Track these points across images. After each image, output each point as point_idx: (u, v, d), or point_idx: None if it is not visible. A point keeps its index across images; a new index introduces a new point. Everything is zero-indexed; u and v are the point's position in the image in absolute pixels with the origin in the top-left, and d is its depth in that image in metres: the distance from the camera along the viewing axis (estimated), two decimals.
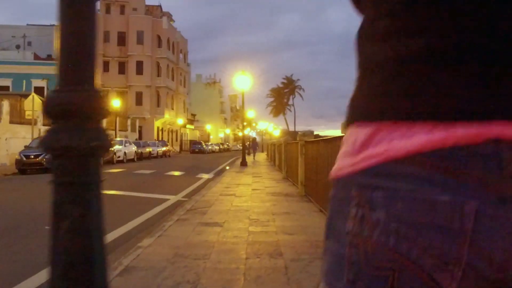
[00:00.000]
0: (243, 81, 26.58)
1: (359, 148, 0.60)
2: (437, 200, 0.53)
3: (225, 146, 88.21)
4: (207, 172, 22.80)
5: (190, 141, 77.39)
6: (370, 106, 0.60)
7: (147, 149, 38.76)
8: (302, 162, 10.42)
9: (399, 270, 0.55)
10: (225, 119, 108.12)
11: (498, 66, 0.53)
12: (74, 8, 1.70)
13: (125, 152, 31.27)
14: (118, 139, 33.80)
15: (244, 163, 25.70)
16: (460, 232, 0.52)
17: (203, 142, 71.58)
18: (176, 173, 21.44)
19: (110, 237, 6.48)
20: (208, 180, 17.60)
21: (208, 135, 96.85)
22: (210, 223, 6.98)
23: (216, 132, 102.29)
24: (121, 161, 30.53)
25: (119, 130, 46.40)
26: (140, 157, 35.47)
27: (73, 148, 1.64)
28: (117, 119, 44.03)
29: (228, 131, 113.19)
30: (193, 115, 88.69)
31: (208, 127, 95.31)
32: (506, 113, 0.52)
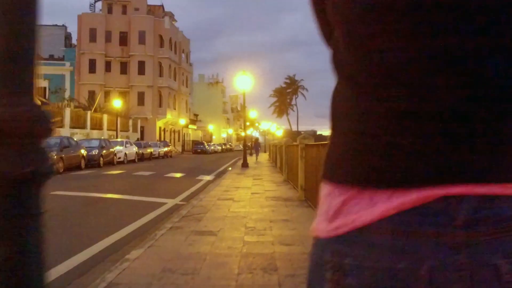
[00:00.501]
0: (244, 81, 26.27)
1: (332, 217, 0.66)
2: (396, 268, 0.59)
3: (228, 146, 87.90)
4: (208, 173, 22.52)
5: (193, 141, 77.15)
6: (340, 170, 0.66)
7: (148, 150, 38.48)
8: (302, 166, 10.12)
9: None
10: (228, 119, 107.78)
11: (448, 138, 0.59)
12: (9, 4, 1.41)
13: (125, 153, 31.03)
14: (119, 139, 33.57)
15: (245, 165, 25.42)
16: None
17: (205, 143, 71.28)
18: (176, 174, 21.15)
19: (99, 246, 6.21)
20: (208, 182, 17.32)
21: (211, 135, 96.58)
22: (204, 231, 6.69)
23: (219, 132, 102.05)
24: (122, 162, 30.28)
25: (121, 131, 46.17)
26: (141, 158, 35.21)
27: (2, 174, 1.35)
28: (118, 119, 43.81)
29: (230, 131, 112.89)
30: (196, 115, 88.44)
31: (211, 127, 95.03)
32: (453, 178, 0.59)
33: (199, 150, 64.14)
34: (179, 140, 72.94)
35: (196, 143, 71.25)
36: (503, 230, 0.59)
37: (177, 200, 11.89)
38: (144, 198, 12.13)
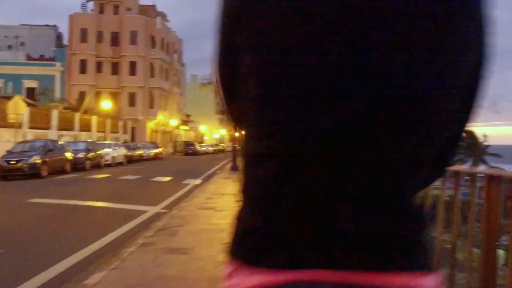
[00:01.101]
0: None
1: (228, 277, 0.76)
2: None
3: (220, 147, 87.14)
4: (196, 177, 22.10)
5: (184, 142, 76.60)
6: (233, 246, 0.77)
7: (138, 152, 37.97)
8: None
9: None
10: (221, 119, 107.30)
11: (308, 224, 0.70)
12: None
13: (113, 156, 30.50)
14: (106, 142, 33.04)
15: (234, 168, 24.97)
16: None
17: (196, 144, 70.69)
18: (163, 178, 20.70)
19: (58, 268, 5.77)
20: (195, 187, 16.93)
21: (202, 136, 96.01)
22: (176, 249, 6.27)
23: (211, 133, 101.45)
24: (110, 165, 29.76)
25: (111, 132, 45.61)
26: (130, 160, 34.70)
27: None
28: (108, 121, 43.30)
29: (223, 131, 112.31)
30: (188, 115, 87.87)
31: (203, 128, 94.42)
32: (308, 263, 0.69)
33: (190, 151, 63.59)
34: (170, 141, 72.32)
35: (187, 144, 70.65)
36: None
37: (159, 208, 11.49)
38: (124, 206, 11.71)
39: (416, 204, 0.76)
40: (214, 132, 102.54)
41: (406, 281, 0.69)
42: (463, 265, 2.74)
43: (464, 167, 2.77)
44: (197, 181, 19.60)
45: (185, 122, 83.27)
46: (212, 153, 74.12)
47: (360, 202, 0.70)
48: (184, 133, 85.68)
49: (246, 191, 0.78)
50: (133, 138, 56.98)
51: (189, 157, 56.56)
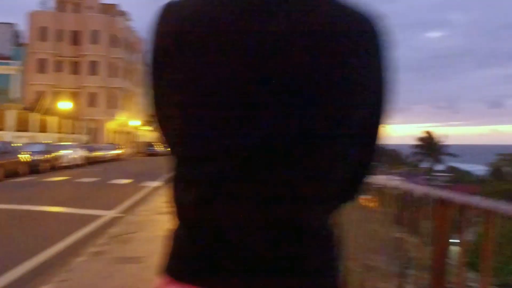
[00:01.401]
0: None
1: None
2: None
3: None
4: (156, 178, 21.77)
5: (146, 143, 75.71)
6: (165, 261, 0.91)
7: (98, 153, 37.28)
8: None
9: None
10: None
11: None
12: None
13: (72, 157, 29.84)
14: (64, 143, 32.31)
15: None
16: None
17: (156, 144, 69.93)
18: (122, 181, 20.35)
19: (1, 281, 5.51)
20: (154, 189, 16.68)
21: None
22: (129, 258, 6.09)
23: None
24: (68, 167, 29.11)
25: (70, 133, 44.71)
26: (90, 161, 34.03)
27: None
28: (67, 121, 42.41)
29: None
30: (152, 116, 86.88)
31: None
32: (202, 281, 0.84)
33: (152, 152, 62.82)
34: (132, 142, 71.36)
35: (148, 145, 69.76)
36: None
37: (115, 212, 11.24)
38: (79, 211, 11.41)
39: (327, 227, 0.88)
40: None
41: None
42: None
43: (417, 187, 2.68)
44: (156, 183, 19.32)
45: (148, 123, 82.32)
46: None
47: (273, 229, 0.82)
48: (147, 134, 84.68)
49: (175, 212, 0.92)
50: (94, 139, 56.02)
51: (151, 158, 55.87)
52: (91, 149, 35.34)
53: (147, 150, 64.57)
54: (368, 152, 0.94)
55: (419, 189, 2.58)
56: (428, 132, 72.57)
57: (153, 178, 21.88)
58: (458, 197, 2.18)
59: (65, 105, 40.11)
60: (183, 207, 0.89)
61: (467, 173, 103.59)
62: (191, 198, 0.86)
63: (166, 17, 0.90)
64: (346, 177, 0.90)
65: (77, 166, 30.72)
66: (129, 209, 11.51)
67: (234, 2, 0.85)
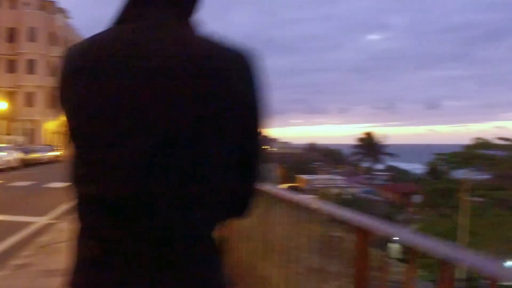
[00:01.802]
0: None
1: None
2: None
3: None
4: None
5: None
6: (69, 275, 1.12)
7: (34, 155, 36.20)
8: None
9: None
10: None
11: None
12: None
13: (7, 160, 28.86)
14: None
15: None
16: None
17: None
18: (58, 184, 19.88)
19: None
20: None
21: None
22: (55, 270, 6.00)
23: None
24: (2, 170, 28.13)
25: (5, 134, 43.27)
26: (26, 164, 33.00)
27: None
28: (2, 122, 40.96)
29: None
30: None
31: None
32: None
33: None
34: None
35: None
36: None
37: (48, 219, 11.01)
38: (9, 217, 11.10)
39: (213, 239, 1.06)
40: None
41: None
42: None
43: (337, 210, 2.67)
44: None
45: None
46: None
47: (161, 243, 1.00)
48: None
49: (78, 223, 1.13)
50: (32, 141, 54.34)
51: None
52: (27, 151, 34.23)
53: None
54: (249, 176, 1.11)
55: (339, 213, 2.59)
56: (367, 133, 74.26)
57: None
58: (371, 225, 2.25)
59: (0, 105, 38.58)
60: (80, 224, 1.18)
61: (405, 172, 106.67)
62: (82, 218, 1.18)
63: (64, 58, 1.16)
64: (224, 199, 1.06)
65: (11, 169, 29.74)
66: (63, 215, 11.29)
67: (113, 43, 1.05)
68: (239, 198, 1.12)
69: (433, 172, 67.51)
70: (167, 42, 1.01)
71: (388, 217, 47.86)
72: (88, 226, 1.07)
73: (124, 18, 1.09)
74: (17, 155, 31.06)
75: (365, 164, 75.08)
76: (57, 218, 11.04)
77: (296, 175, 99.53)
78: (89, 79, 1.04)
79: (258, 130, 1.08)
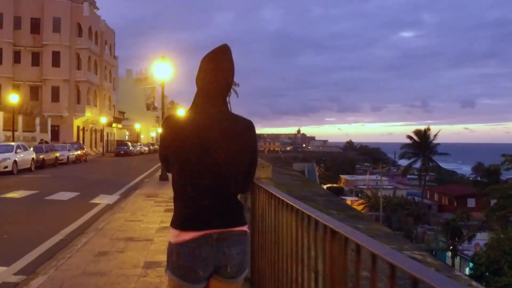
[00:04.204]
0: (163, 69, 20.61)
1: (175, 235, 2.48)
2: (194, 252, 2.45)
3: (156, 146, 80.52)
4: (114, 190, 16.84)
5: (117, 141, 70.12)
6: (175, 221, 2.53)
7: (53, 154, 31.92)
8: None
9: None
10: (158, 117, 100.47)
11: (203, 211, 2.50)
12: None
13: (15, 160, 24.49)
14: (4, 143, 27.00)
15: (164, 177, 19.73)
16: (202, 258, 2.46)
17: (129, 143, 64.32)
18: (66, 195, 15.27)
19: None
20: (104, 210, 11.83)
21: (138, 135, 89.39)
22: None
23: (147, 131, 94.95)
24: (10, 173, 23.83)
25: (24, 131, 39.24)
26: (41, 165, 28.71)
27: None
28: (18, 117, 36.87)
29: (160, 130, 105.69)
30: (122, 113, 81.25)
31: (138, 126, 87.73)
32: (205, 227, 2.46)
33: (122, 152, 57.21)
34: (101, 141, 65.75)
35: (119, 144, 64.14)
36: (227, 239, 2.47)
37: (21, 266, 6.42)
38: None
39: (239, 199, 2.65)
40: (151, 130, 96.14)
41: (241, 228, 2.53)
42: None
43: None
44: (111, 199, 14.35)
45: (118, 120, 76.64)
46: (147, 153, 68.09)
47: (218, 198, 2.50)
48: (117, 132, 79.10)
49: (175, 196, 2.57)
50: (56, 138, 50.52)
51: (120, 158, 50.46)
52: (40, 150, 29.88)
53: (118, 150, 58.95)
54: (251, 174, 2.73)
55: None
56: (419, 131, 68.19)
57: (111, 189, 16.91)
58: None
59: (12, 98, 34.40)
60: (177, 194, 2.57)
61: (452, 173, 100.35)
62: (181, 190, 2.53)
63: (165, 121, 2.57)
64: (242, 185, 2.64)
65: (23, 170, 25.49)
66: (47, 260, 6.63)
67: (195, 122, 2.50)
68: (245, 186, 2.78)
69: (491, 174, 61.55)
70: (214, 121, 2.52)
71: (452, 226, 42.19)
72: (186, 194, 2.52)
73: (194, 105, 2.60)
74: (26, 155, 26.65)
75: (412, 164, 69.12)
76: (34, 264, 6.43)
77: (336, 175, 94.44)
78: (179, 138, 2.51)
79: (256, 159, 2.71)
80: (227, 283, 2.51)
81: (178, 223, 2.47)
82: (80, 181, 21.32)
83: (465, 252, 43.72)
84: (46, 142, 35.26)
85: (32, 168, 26.87)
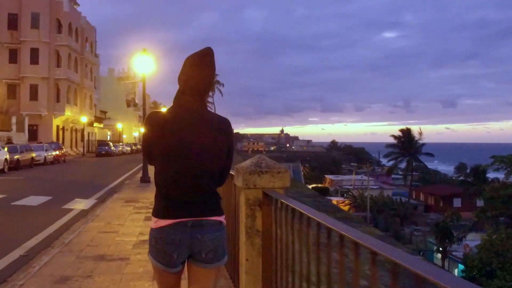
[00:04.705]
0: (144, 62, 19.25)
1: (154, 221, 2.71)
2: (169, 238, 2.65)
3: (138, 146, 78.55)
4: (90, 193, 15.50)
5: (98, 141, 68.30)
6: (155, 212, 2.77)
7: (29, 155, 30.32)
8: None
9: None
10: (140, 116, 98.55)
11: (182, 203, 2.69)
12: None
13: None
14: None
15: (145, 179, 18.39)
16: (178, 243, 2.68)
17: (111, 143, 62.59)
18: (36, 199, 13.90)
19: None
20: (78, 217, 10.57)
21: (120, 135, 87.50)
22: None
23: (130, 131, 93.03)
24: None
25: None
26: (15, 166, 27.15)
27: None
28: None
29: (144, 125, 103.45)
30: (104, 112, 79.35)
31: (120, 126, 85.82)
32: (183, 215, 2.65)
33: (104, 152, 55.54)
34: (82, 141, 63.88)
35: (100, 144, 62.35)
36: (201, 227, 2.65)
37: None
38: None
39: (216, 191, 2.81)
40: (133, 130, 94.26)
41: (216, 218, 2.70)
42: None
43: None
44: (86, 205, 13.01)
45: (99, 119, 74.72)
46: (129, 154, 66.39)
47: (195, 190, 2.67)
48: (99, 131, 77.15)
49: (156, 187, 2.75)
50: (35, 137, 48.68)
51: (101, 159, 48.83)
52: (15, 150, 28.30)
53: (99, 150, 57.26)
54: (227, 169, 2.85)
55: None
56: (405, 130, 67.47)
57: (87, 193, 15.57)
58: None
59: None
60: (158, 186, 2.72)
61: (436, 173, 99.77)
62: (161, 182, 2.69)
63: (149, 117, 2.76)
64: (219, 179, 2.78)
65: None
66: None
67: (176, 118, 2.67)
68: (222, 180, 2.85)
69: (478, 174, 61.00)
70: (196, 117, 2.69)
71: (441, 226, 41.32)
72: (166, 185, 2.69)
73: (177, 102, 2.76)
74: (1, 156, 25.12)
75: (397, 164, 68.43)
76: None
77: (321, 175, 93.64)
78: (162, 131, 2.66)
79: (232, 155, 2.83)
80: (205, 269, 2.71)
81: (157, 212, 2.70)
82: (55, 184, 19.91)
83: (454, 253, 43.08)
84: (11, 142, 33.17)
85: (5, 170, 25.31)
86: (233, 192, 4.10)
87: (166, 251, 2.61)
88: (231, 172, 3.54)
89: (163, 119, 2.68)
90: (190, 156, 2.61)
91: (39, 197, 14.48)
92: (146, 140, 2.77)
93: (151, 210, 9.77)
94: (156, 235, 2.63)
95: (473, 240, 40.31)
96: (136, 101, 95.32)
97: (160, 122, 2.68)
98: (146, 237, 8.30)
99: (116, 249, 6.92)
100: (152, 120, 2.72)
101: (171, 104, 2.78)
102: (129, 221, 9.55)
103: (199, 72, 2.70)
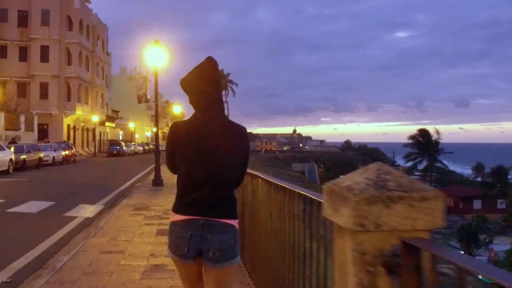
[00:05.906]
0: (156, 55, 17.73)
1: (172, 215, 2.96)
2: (182, 233, 2.86)
3: (151, 146, 77.08)
4: (99, 197, 14.09)
5: (109, 141, 67.03)
6: (174, 205, 2.98)
7: (36, 155, 28.94)
8: None
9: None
10: (153, 116, 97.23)
11: (195, 203, 2.87)
12: None
13: None
14: None
15: (158, 182, 16.90)
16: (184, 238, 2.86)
17: (123, 143, 61.24)
18: (36, 205, 12.43)
19: None
20: (77, 229, 9.10)
21: (132, 134, 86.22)
22: None
23: (143, 130, 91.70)
24: None
25: (6, 129, 36.29)
26: (22, 167, 25.75)
27: None
28: (3, 115, 33.89)
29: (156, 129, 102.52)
30: (116, 111, 78.12)
31: (132, 125, 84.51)
32: (196, 213, 2.85)
33: (115, 152, 54.23)
34: (93, 140, 62.61)
35: (111, 143, 61.05)
36: (212, 227, 2.81)
37: None
38: None
39: (233, 193, 2.98)
40: (146, 129, 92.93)
41: (228, 221, 2.84)
42: None
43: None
44: (91, 212, 11.54)
45: (111, 119, 73.42)
46: (142, 153, 65.05)
47: (212, 193, 2.85)
48: (110, 131, 75.88)
49: (177, 187, 2.94)
50: (45, 137, 47.41)
51: (112, 159, 47.45)
52: (21, 150, 26.90)
53: (110, 149, 55.94)
54: (242, 173, 3.11)
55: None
56: (422, 130, 65.55)
57: (94, 197, 14.12)
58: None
59: None
60: (179, 187, 2.92)
61: (453, 174, 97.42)
62: (182, 185, 2.90)
63: (172, 127, 2.99)
64: (234, 182, 3.01)
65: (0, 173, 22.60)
66: None
67: (195, 127, 2.88)
68: (237, 184, 3.09)
69: (500, 175, 59.01)
70: (218, 125, 2.89)
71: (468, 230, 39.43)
72: (186, 192, 2.90)
73: (200, 113, 2.93)
74: (6, 156, 23.75)
75: (417, 164, 66.55)
76: None
77: (336, 176, 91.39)
78: (182, 139, 2.89)
79: (247, 162, 3.08)
80: (215, 269, 2.85)
81: (175, 208, 2.93)
82: (61, 186, 18.45)
83: (478, 258, 41.33)
84: (14, 142, 31.74)
85: (10, 170, 23.93)
86: (316, 231, 2.58)
87: (178, 244, 2.84)
88: (318, 199, 2.79)
89: (184, 128, 2.95)
90: (207, 161, 2.83)
91: (40, 202, 13.01)
92: (169, 148, 2.99)
93: (164, 221, 7.93)
94: (172, 228, 2.89)
95: (498, 243, 38.59)
96: (148, 96, 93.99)
97: (181, 130, 2.95)
98: (158, 261, 6.60)
99: (120, 279, 5.36)
100: (175, 129, 2.98)
101: (186, 104, 3.26)
102: (138, 235, 8.00)
103: (210, 83, 2.95)
